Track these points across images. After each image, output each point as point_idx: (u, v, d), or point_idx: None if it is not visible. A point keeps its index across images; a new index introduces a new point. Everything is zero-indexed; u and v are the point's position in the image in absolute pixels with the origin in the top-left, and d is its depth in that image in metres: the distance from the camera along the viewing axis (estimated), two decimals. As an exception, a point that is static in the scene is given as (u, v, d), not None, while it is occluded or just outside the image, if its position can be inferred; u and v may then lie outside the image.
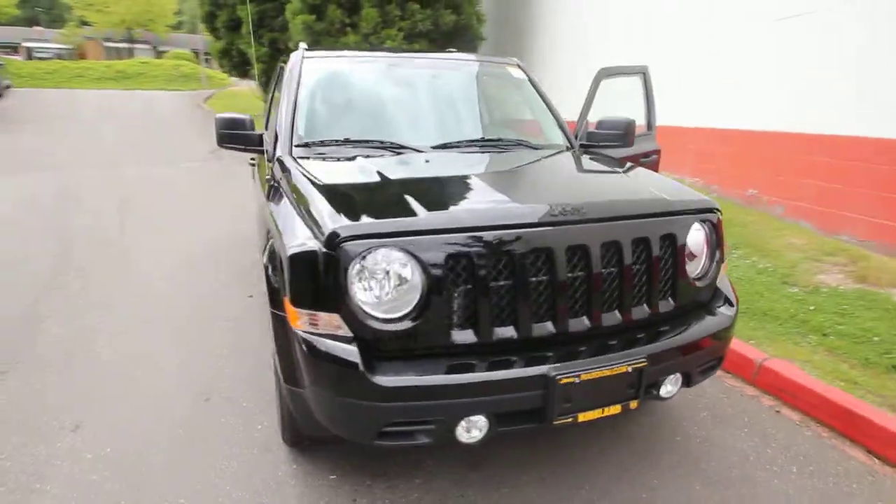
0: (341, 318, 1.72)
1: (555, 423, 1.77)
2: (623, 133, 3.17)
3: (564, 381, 1.72)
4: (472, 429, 1.77)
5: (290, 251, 1.78)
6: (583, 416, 1.81)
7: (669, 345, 1.94)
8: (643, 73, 4.09)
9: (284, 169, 2.51)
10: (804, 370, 2.89)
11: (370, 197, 2.03)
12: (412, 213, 1.79)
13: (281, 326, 1.87)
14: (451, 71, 3.22)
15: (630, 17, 7.68)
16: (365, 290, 1.72)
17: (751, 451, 2.45)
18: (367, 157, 2.54)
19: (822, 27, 5.00)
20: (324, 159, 2.55)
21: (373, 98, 2.96)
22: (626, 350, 1.87)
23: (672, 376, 2.01)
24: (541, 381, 1.73)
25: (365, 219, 1.76)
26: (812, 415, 2.68)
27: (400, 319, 1.74)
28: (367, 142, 2.69)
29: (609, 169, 2.62)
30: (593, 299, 1.88)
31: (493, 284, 1.76)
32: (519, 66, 3.51)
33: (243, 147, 2.82)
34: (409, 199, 1.89)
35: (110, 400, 2.79)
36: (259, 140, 2.80)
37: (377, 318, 1.73)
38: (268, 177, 2.64)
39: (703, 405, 2.79)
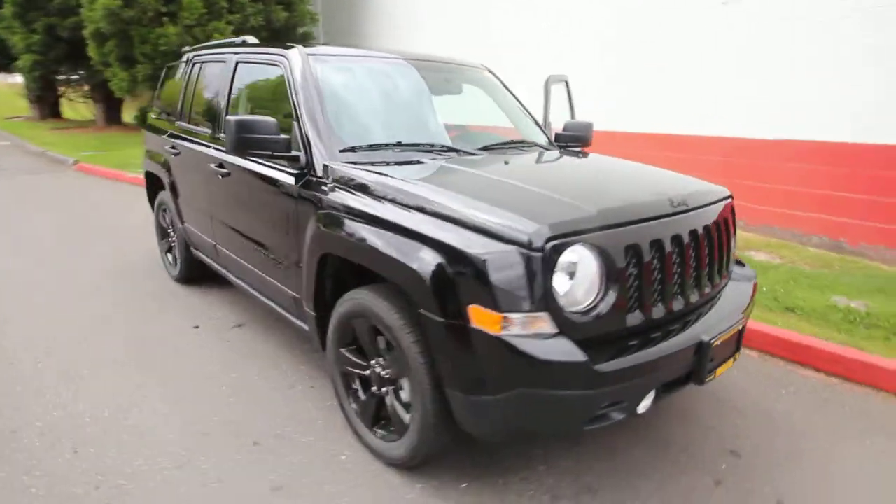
0: (549, 315, 1.76)
1: (705, 381, 2.07)
2: (584, 134, 3.61)
3: (715, 343, 2.03)
4: (646, 399, 1.97)
5: (485, 256, 1.75)
6: (718, 372, 2.14)
7: (747, 304, 2.39)
8: (565, 81, 4.60)
9: (344, 176, 2.34)
10: (744, 318, 3.67)
11: (520, 197, 2.05)
12: (583, 210, 1.90)
13: (462, 336, 1.81)
14: (454, 74, 3.27)
15: (463, 19, 8.50)
16: (564, 285, 1.79)
17: (750, 386, 3.07)
18: (433, 159, 2.51)
19: (653, 51, 6.20)
20: (392, 164, 2.44)
21: (398, 99, 2.87)
22: (730, 313, 2.25)
23: (738, 331, 2.46)
24: (697, 346, 2.01)
25: (555, 218, 1.82)
26: (766, 350, 3.44)
27: (590, 310, 1.84)
28: (417, 145, 2.64)
29: (630, 163, 2.97)
30: (701, 275, 2.21)
31: (652, 268, 1.97)
32: (490, 72, 3.70)
33: (270, 154, 2.52)
34: (561, 197, 1.99)
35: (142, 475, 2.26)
36: (287, 145, 2.53)
37: (573, 311, 1.81)
38: (328, 181, 2.40)
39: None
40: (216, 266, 3.68)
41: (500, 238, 1.79)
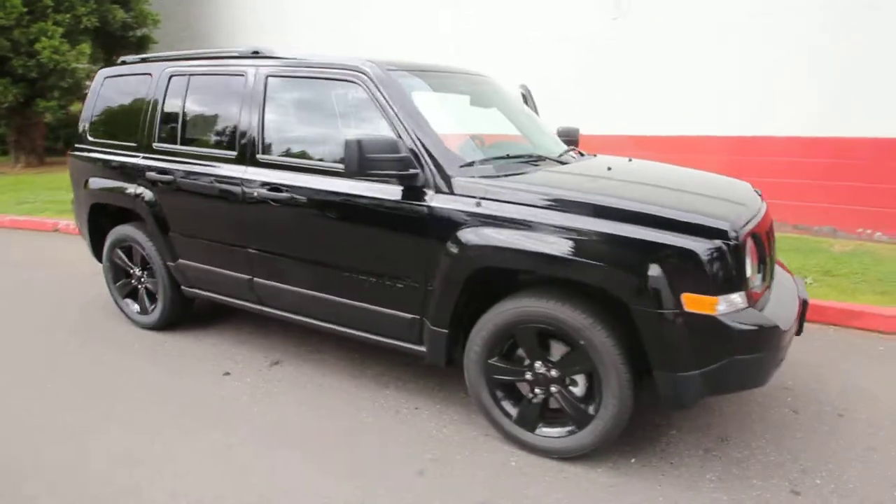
0: (743, 293, 2.11)
1: (801, 332, 2.61)
2: (575, 138, 4.05)
3: (809, 300, 2.58)
4: (783, 353, 2.44)
5: (699, 250, 2.04)
6: (799, 328, 2.70)
7: (788, 268, 3.01)
8: (523, 86, 4.99)
9: (492, 191, 2.41)
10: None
11: (678, 199, 2.34)
12: (739, 206, 2.31)
13: (680, 321, 2.06)
14: (491, 86, 3.43)
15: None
16: (749, 267, 2.16)
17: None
18: (544, 169, 2.70)
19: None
20: (517, 174, 2.57)
21: (479, 113, 2.96)
22: (788, 277, 2.85)
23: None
24: (802, 304, 2.54)
25: (732, 214, 2.18)
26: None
27: (755, 285, 2.24)
28: (519, 156, 2.80)
29: (674, 166, 3.41)
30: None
31: (769, 247, 2.45)
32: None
33: (395, 172, 2.47)
34: (711, 196, 2.37)
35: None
36: (407, 164, 2.50)
37: (751, 288, 2.19)
38: (470, 197, 2.42)
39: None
40: (240, 302, 3.31)
41: (699, 234, 2.08)
